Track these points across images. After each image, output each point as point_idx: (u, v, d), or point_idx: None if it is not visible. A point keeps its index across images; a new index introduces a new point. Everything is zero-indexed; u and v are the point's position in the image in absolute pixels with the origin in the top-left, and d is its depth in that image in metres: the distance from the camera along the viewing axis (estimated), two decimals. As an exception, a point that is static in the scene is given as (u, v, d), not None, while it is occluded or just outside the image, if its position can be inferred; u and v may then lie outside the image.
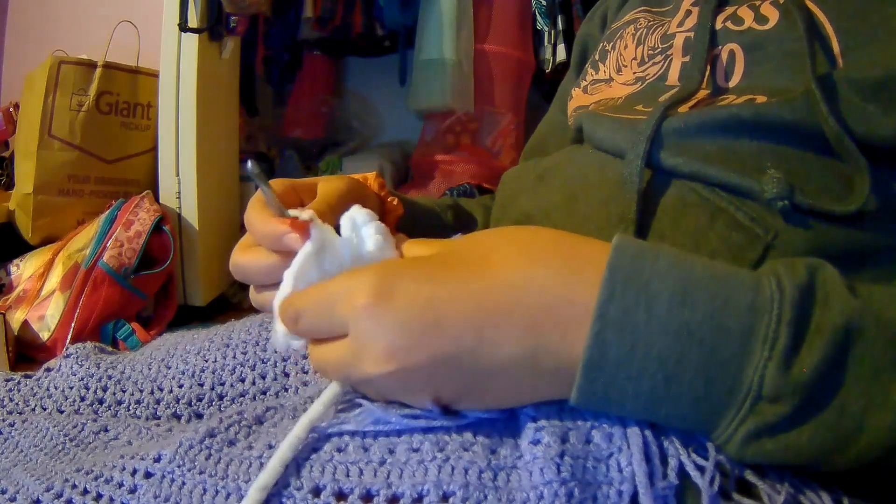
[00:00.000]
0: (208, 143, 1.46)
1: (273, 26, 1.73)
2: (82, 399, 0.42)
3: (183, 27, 1.36)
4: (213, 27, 1.40)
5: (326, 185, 0.40)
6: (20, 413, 0.42)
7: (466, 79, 1.59)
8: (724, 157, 0.37)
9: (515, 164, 0.69)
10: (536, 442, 0.27)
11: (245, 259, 0.37)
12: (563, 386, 0.28)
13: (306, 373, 0.42)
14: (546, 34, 1.64)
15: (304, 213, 0.33)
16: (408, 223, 0.49)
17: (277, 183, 0.40)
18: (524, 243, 0.30)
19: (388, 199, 0.47)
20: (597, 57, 0.56)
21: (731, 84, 0.42)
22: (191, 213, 1.43)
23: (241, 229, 0.38)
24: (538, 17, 1.64)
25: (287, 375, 0.43)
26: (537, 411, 0.28)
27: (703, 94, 0.42)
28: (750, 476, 0.27)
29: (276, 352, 0.43)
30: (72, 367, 0.44)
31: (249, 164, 0.31)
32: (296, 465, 0.27)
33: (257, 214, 0.36)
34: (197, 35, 1.37)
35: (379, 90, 1.94)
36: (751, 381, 0.25)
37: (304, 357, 0.43)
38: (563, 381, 0.27)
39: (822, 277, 0.27)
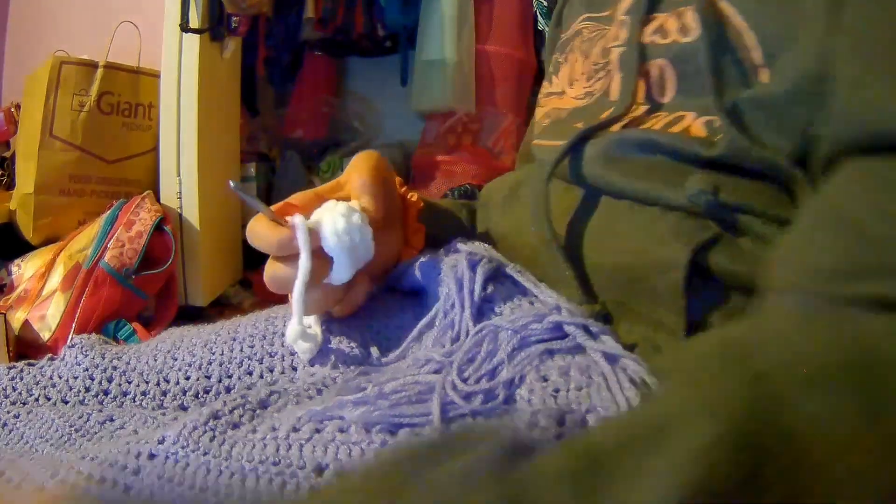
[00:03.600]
0: (209, 144, 1.46)
1: (274, 27, 1.73)
2: (87, 390, 0.42)
3: (184, 28, 1.36)
4: (215, 28, 1.41)
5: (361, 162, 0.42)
6: (24, 403, 0.42)
7: (467, 79, 1.60)
8: (645, 173, 0.38)
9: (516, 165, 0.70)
10: (533, 425, 0.27)
11: (261, 229, 0.38)
12: None
13: (312, 366, 0.42)
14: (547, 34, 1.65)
15: (296, 219, 0.36)
16: (429, 220, 0.50)
17: (300, 196, 0.41)
18: None
19: (408, 195, 0.47)
20: (551, 69, 0.56)
21: (666, 100, 0.42)
22: (192, 214, 1.43)
23: (242, 229, 0.39)
24: (539, 18, 1.64)
25: (295, 369, 0.43)
26: (532, 394, 0.29)
27: (640, 110, 0.42)
28: None
29: (283, 346, 0.43)
30: (76, 357, 0.44)
31: (231, 183, 0.33)
32: (299, 445, 0.28)
33: (262, 227, 0.38)
34: (198, 35, 1.38)
35: (380, 90, 1.94)
36: None
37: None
38: None
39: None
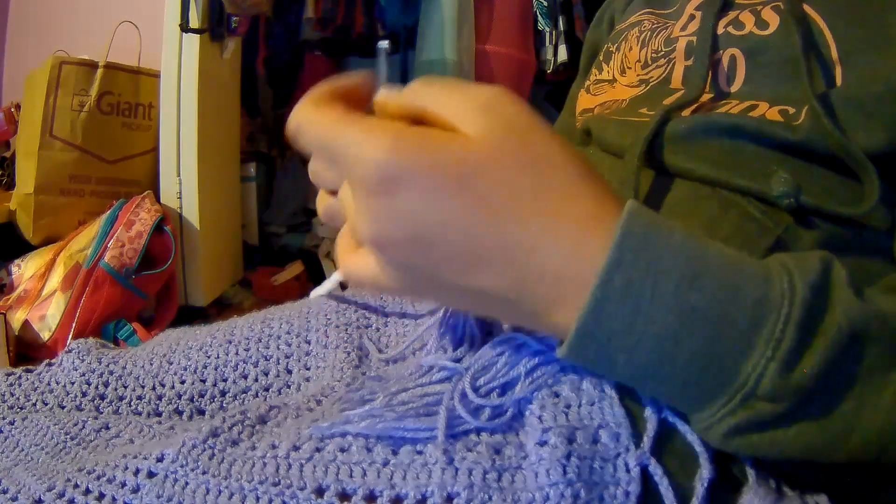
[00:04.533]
0: (209, 144, 1.46)
1: (274, 27, 1.73)
2: (84, 395, 0.42)
3: (184, 28, 1.36)
4: (215, 28, 1.40)
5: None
6: (21, 409, 0.42)
7: (467, 79, 1.59)
8: (730, 160, 0.38)
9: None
10: (543, 443, 0.27)
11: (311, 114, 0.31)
12: (546, 329, 0.27)
13: (308, 369, 0.42)
14: (547, 35, 1.65)
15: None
16: None
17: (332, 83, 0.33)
18: (545, 190, 0.26)
19: None
20: (601, 58, 0.56)
21: (734, 89, 0.42)
22: (192, 214, 1.43)
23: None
24: (539, 18, 1.64)
25: (290, 372, 0.42)
26: (543, 411, 0.28)
27: (705, 98, 0.42)
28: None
29: (279, 349, 0.43)
30: (73, 363, 0.44)
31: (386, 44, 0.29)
32: (299, 465, 0.27)
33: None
34: (198, 35, 1.37)
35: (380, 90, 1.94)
36: (748, 377, 0.24)
37: (307, 354, 0.43)
38: (546, 327, 0.27)
39: (833, 278, 0.26)
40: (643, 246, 0.25)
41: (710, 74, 0.43)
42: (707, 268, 0.25)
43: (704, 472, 0.26)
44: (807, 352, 0.24)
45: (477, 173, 0.26)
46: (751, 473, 0.27)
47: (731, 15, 0.45)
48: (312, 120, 0.29)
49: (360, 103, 0.31)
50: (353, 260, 0.30)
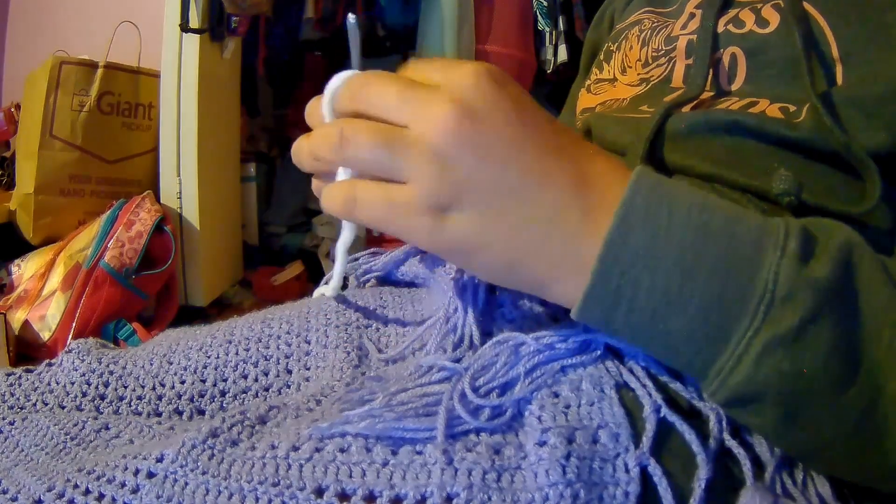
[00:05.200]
0: (210, 144, 1.46)
1: (274, 27, 1.73)
2: (84, 395, 0.42)
3: (184, 28, 1.36)
4: (215, 28, 1.40)
5: None
6: (21, 409, 0.42)
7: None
8: (730, 157, 0.38)
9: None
10: (542, 443, 0.27)
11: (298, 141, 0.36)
12: (567, 272, 0.28)
13: (308, 369, 0.42)
14: (547, 35, 1.65)
15: None
16: None
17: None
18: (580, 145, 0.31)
19: None
20: (602, 57, 0.56)
21: (734, 87, 0.42)
22: (192, 214, 1.43)
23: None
24: (539, 18, 1.64)
25: (290, 372, 0.42)
26: (543, 411, 0.28)
27: (706, 96, 0.42)
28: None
29: (278, 349, 0.43)
30: (73, 363, 0.44)
31: (351, 18, 0.31)
32: (298, 465, 0.27)
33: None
34: (198, 35, 1.37)
35: (380, 91, 1.94)
36: (765, 282, 0.25)
37: (307, 354, 0.43)
38: (569, 265, 0.28)
39: (823, 221, 0.29)
40: (657, 183, 0.28)
41: (710, 73, 0.43)
42: (712, 202, 0.28)
43: (702, 472, 0.26)
44: (813, 257, 0.26)
45: (536, 109, 0.30)
46: (748, 474, 0.27)
47: (732, 13, 0.45)
48: (375, 83, 0.31)
49: None
50: (366, 185, 0.30)
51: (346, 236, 0.39)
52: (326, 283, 0.48)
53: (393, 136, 0.28)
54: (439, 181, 0.28)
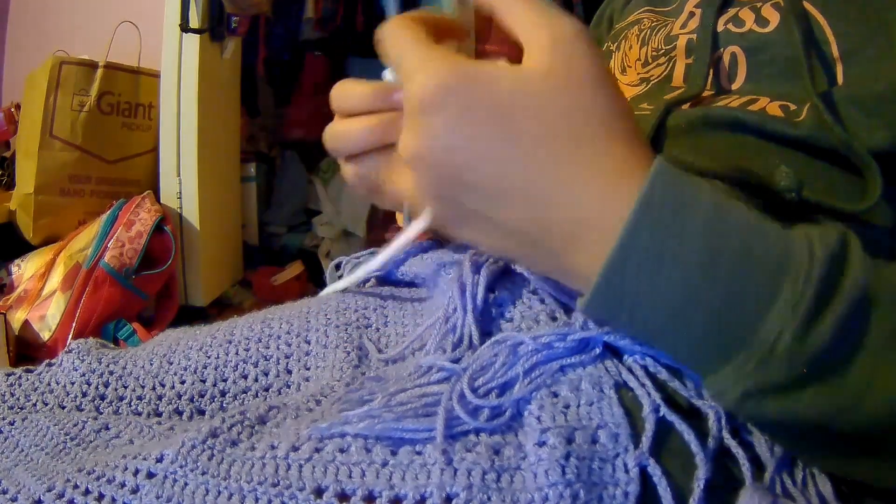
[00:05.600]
0: (210, 144, 1.46)
1: (274, 27, 1.73)
2: (84, 395, 0.42)
3: (184, 28, 1.36)
4: (215, 28, 1.41)
5: None
6: (21, 409, 0.42)
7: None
8: (731, 153, 0.38)
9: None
10: (542, 444, 0.27)
11: (343, 125, 0.37)
12: (573, 275, 0.28)
13: (308, 369, 0.42)
14: (547, 35, 1.64)
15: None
16: None
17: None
18: (588, 142, 0.28)
19: None
20: None
21: (735, 86, 0.42)
22: (192, 214, 1.43)
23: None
24: (539, 18, 1.64)
25: (290, 372, 0.42)
26: (542, 411, 0.28)
27: (706, 95, 0.43)
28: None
29: (278, 349, 0.43)
30: (73, 363, 0.44)
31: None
32: (298, 465, 0.27)
33: (357, 83, 0.37)
34: (198, 35, 1.38)
35: (380, 90, 1.94)
36: (766, 338, 0.25)
37: (307, 354, 0.43)
38: (574, 269, 0.28)
39: (850, 245, 0.27)
40: (672, 190, 0.26)
41: (710, 72, 0.43)
42: (732, 217, 0.26)
43: (701, 472, 0.26)
44: (825, 310, 0.25)
45: (516, 109, 0.28)
46: (748, 474, 0.27)
47: (731, 12, 0.45)
48: (393, 35, 0.32)
49: (446, 33, 0.36)
50: (397, 176, 0.33)
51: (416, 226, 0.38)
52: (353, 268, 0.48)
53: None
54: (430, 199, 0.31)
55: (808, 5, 0.41)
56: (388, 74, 0.36)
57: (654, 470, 0.26)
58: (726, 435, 0.28)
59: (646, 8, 0.54)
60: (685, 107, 0.42)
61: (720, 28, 0.44)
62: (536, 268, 0.32)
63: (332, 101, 0.38)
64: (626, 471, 0.26)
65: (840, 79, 0.38)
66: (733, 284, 0.25)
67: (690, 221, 0.26)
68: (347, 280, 0.46)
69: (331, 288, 0.47)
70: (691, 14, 0.48)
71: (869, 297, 0.25)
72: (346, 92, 0.37)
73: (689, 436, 0.27)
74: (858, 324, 0.25)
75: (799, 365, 0.25)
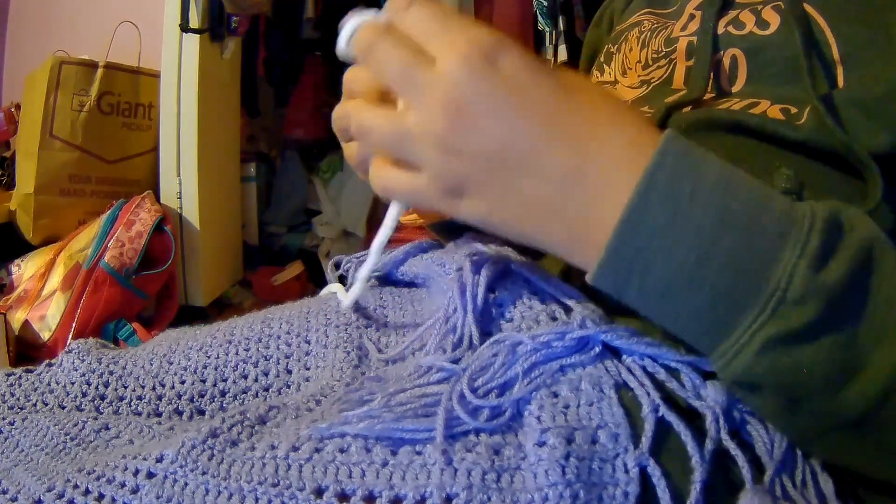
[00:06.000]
0: (210, 144, 1.46)
1: (274, 27, 1.73)
2: (84, 395, 0.42)
3: (184, 28, 1.36)
4: (215, 28, 1.41)
5: None
6: (21, 409, 0.42)
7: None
8: (731, 155, 0.38)
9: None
10: (542, 444, 0.27)
11: (351, 106, 0.36)
12: (573, 240, 0.29)
13: (308, 369, 0.42)
14: (547, 35, 1.65)
15: None
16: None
17: None
18: (610, 103, 0.31)
19: None
20: (602, 59, 0.56)
21: (735, 89, 0.42)
22: (192, 214, 1.43)
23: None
24: (539, 18, 1.64)
25: (290, 372, 0.42)
26: (542, 411, 0.28)
27: (707, 97, 0.43)
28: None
29: (278, 349, 0.43)
30: (73, 363, 0.44)
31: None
32: (298, 465, 0.27)
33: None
34: (198, 35, 1.38)
35: (380, 90, 1.94)
36: (779, 279, 0.25)
37: (307, 354, 0.43)
38: (577, 235, 0.28)
39: (848, 213, 0.28)
40: (684, 153, 0.27)
41: (711, 74, 0.43)
42: (739, 181, 0.27)
43: (697, 473, 0.26)
44: (832, 257, 0.25)
45: (557, 68, 0.30)
46: (748, 476, 0.27)
47: (732, 14, 0.45)
48: (386, 46, 0.31)
49: None
50: (391, 174, 0.32)
51: (382, 234, 0.38)
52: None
53: (400, 127, 0.30)
54: (444, 172, 0.30)
55: (808, 7, 0.41)
56: (342, 44, 0.34)
57: (654, 470, 0.26)
58: (725, 436, 0.28)
59: (646, 10, 0.54)
60: (686, 109, 0.42)
61: (721, 30, 0.44)
62: (544, 238, 0.31)
63: (343, 83, 0.38)
64: (626, 471, 0.26)
65: (840, 81, 0.38)
66: (743, 238, 0.26)
67: (701, 180, 0.27)
68: (355, 292, 0.44)
69: (347, 302, 0.45)
70: (691, 16, 0.48)
71: (875, 251, 0.26)
72: (357, 76, 0.37)
73: (686, 437, 0.27)
74: (866, 274, 0.26)
75: (812, 304, 0.25)
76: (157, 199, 1.43)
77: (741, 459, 0.27)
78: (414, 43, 0.30)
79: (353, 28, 0.33)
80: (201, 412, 0.42)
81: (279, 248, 1.94)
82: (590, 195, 0.28)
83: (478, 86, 0.28)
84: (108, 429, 0.38)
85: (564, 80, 0.30)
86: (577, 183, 0.28)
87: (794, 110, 0.39)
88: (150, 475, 0.29)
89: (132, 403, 0.42)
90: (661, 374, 0.30)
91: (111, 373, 0.43)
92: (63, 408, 0.42)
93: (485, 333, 0.35)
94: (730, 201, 0.26)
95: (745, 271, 0.26)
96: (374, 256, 0.39)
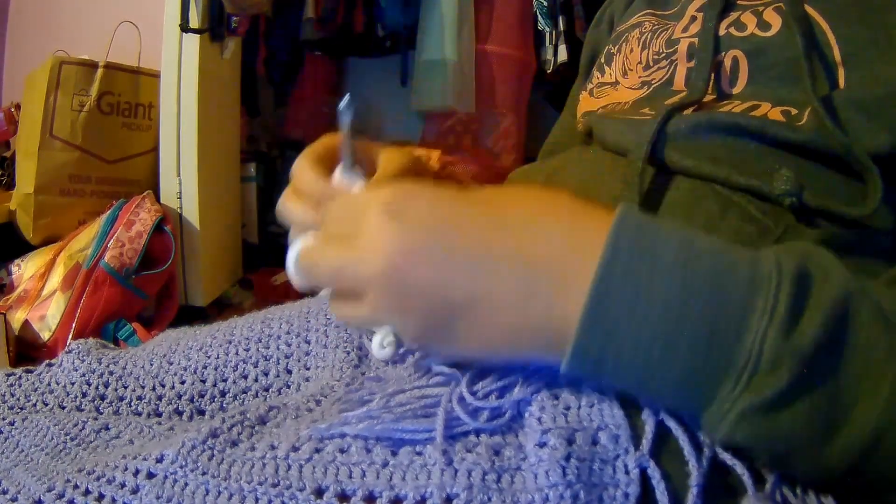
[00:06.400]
0: (209, 144, 1.46)
1: (274, 27, 1.73)
2: (84, 395, 0.42)
3: (184, 28, 1.36)
4: (215, 28, 1.41)
5: (388, 159, 0.42)
6: (21, 409, 0.42)
7: (467, 79, 1.59)
8: (732, 158, 0.37)
9: (516, 165, 0.70)
10: (542, 444, 0.27)
11: (291, 206, 0.39)
12: (549, 344, 0.27)
13: (308, 369, 0.42)
14: (547, 35, 1.65)
15: (358, 186, 0.36)
16: None
17: (333, 138, 0.41)
18: (541, 199, 0.31)
19: (448, 176, 0.47)
20: (602, 60, 0.56)
21: (736, 90, 0.42)
22: (192, 214, 1.43)
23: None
24: (539, 18, 1.64)
25: (290, 372, 0.43)
26: (542, 412, 0.28)
27: (708, 99, 0.42)
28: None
29: (278, 349, 0.43)
30: (73, 363, 0.44)
31: (346, 98, 0.33)
32: (298, 465, 0.27)
33: (310, 168, 0.39)
34: (198, 35, 1.37)
35: (380, 91, 1.94)
36: (749, 350, 0.25)
37: (307, 354, 0.43)
38: (550, 338, 0.27)
39: (818, 260, 0.27)
40: (637, 237, 0.26)
41: (712, 76, 0.43)
42: (699, 251, 0.27)
43: (694, 478, 0.26)
44: (803, 321, 0.25)
45: (475, 191, 0.30)
46: (748, 484, 0.27)
47: (733, 16, 0.45)
48: (318, 268, 0.32)
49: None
50: (349, 310, 0.32)
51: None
52: None
53: (361, 316, 0.31)
54: (407, 332, 0.30)
55: (809, 9, 0.41)
56: (338, 173, 0.38)
57: (654, 472, 0.26)
58: (719, 449, 0.27)
59: (647, 11, 0.54)
60: (687, 112, 0.41)
61: (722, 32, 0.44)
62: (518, 353, 0.30)
63: (291, 172, 0.40)
64: (627, 472, 0.26)
65: (841, 82, 0.38)
66: (709, 314, 0.25)
67: (658, 263, 0.26)
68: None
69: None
70: (693, 18, 0.48)
71: (849, 307, 0.25)
72: (303, 172, 0.39)
73: (683, 441, 0.27)
74: (840, 332, 0.25)
75: (785, 368, 0.24)
76: (157, 199, 1.42)
77: (741, 468, 0.27)
78: (342, 237, 0.31)
79: (295, 255, 0.34)
80: (201, 412, 0.42)
81: (279, 248, 1.94)
82: (548, 302, 0.27)
83: (396, 244, 0.28)
84: (108, 429, 0.38)
85: (486, 198, 0.30)
86: (532, 296, 0.27)
87: (794, 112, 0.39)
88: (151, 475, 0.29)
89: (132, 403, 0.42)
90: None
91: (111, 373, 0.43)
92: (63, 408, 0.42)
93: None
94: (690, 279, 0.26)
95: (715, 346, 0.25)
96: None
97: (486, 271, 0.27)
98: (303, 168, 0.39)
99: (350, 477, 0.27)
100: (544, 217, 0.29)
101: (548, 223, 0.28)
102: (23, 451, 0.37)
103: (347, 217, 0.31)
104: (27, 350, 1.21)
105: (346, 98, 0.33)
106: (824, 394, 0.25)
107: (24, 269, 1.33)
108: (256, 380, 0.42)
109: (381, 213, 0.28)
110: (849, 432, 0.25)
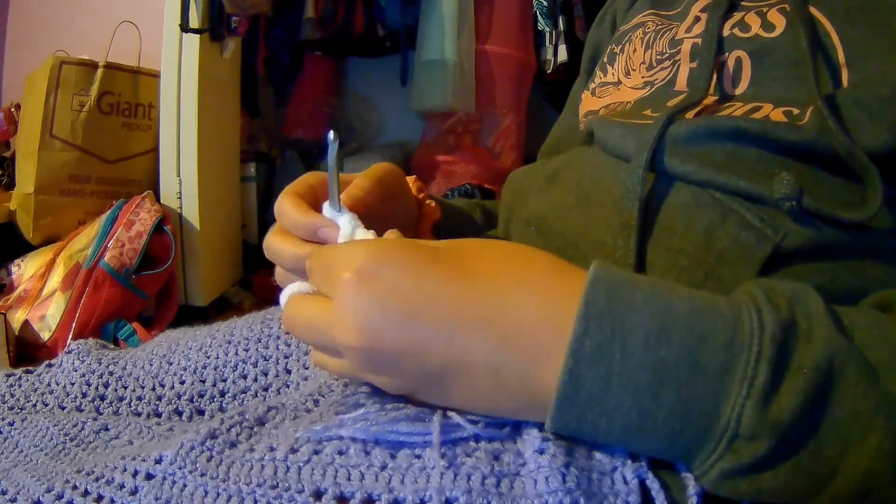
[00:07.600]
0: (209, 144, 1.46)
1: (274, 27, 1.73)
2: (84, 395, 0.42)
3: (184, 28, 1.36)
4: (215, 28, 1.41)
5: (373, 170, 0.43)
6: (21, 409, 0.42)
7: (467, 79, 1.59)
8: (731, 164, 0.37)
9: (516, 165, 0.69)
10: (542, 451, 0.27)
11: (278, 243, 0.39)
12: (528, 408, 0.28)
13: (307, 368, 0.42)
14: (547, 35, 1.64)
15: (344, 218, 0.36)
16: (444, 223, 0.49)
17: (313, 176, 0.41)
18: (515, 262, 0.30)
19: (426, 203, 0.47)
20: (605, 59, 0.56)
21: (738, 91, 0.42)
22: (192, 214, 1.43)
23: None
24: (539, 18, 1.64)
25: (289, 372, 0.43)
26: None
27: (710, 100, 0.42)
28: None
29: (278, 349, 0.43)
30: (73, 363, 0.44)
31: (331, 134, 0.32)
32: (297, 467, 0.27)
33: (294, 205, 0.38)
34: (198, 35, 1.37)
35: (380, 91, 1.94)
36: (728, 420, 0.25)
37: (306, 354, 0.43)
38: (527, 404, 0.28)
39: (805, 311, 0.27)
40: (607, 311, 0.26)
41: (714, 76, 0.43)
42: (672, 320, 0.26)
43: (691, 488, 0.26)
44: (783, 388, 0.24)
45: (449, 251, 0.30)
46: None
47: (737, 16, 0.44)
48: (297, 325, 0.33)
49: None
50: (330, 362, 0.33)
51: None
52: None
53: (341, 370, 0.32)
54: (388, 388, 0.30)
55: (814, 10, 0.40)
56: (326, 209, 0.37)
57: (653, 483, 0.26)
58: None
59: (650, 11, 0.54)
60: (689, 115, 0.41)
61: (726, 32, 0.44)
62: (497, 412, 0.30)
63: (275, 212, 0.40)
64: (626, 482, 0.26)
65: (845, 83, 0.38)
66: (684, 388, 0.25)
67: (630, 338, 0.25)
68: None
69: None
70: (697, 18, 0.48)
71: (833, 369, 0.25)
72: (288, 210, 0.39)
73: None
74: (822, 398, 0.25)
75: (764, 440, 0.24)
76: (157, 199, 1.43)
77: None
78: (318, 297, 0.31)
79: (284, 301, 0.35)
80: (201, 412, 0.42)
81: (279, 248, 1.94)
82: (521, 375, 0.27)
83: (367, 317, 0.28)
84: (107, 429, 0.38)
85: (460, 258, 0.29)
86: (504, 367, 0.27)
87: (796, 112, 0.38)
88: (149, 476, 0.29)
89: (132, 404, 0.42)
90: None
91: (111, 373, 0.43)
92: (63, 408, 0.42)
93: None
94: (664, 354, 0.25)
95: (692, 417, 0.25)
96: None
97: (458, 340, 0.27)
98: (287, 206, 0.39)
99: (349, 479, 0.27)
100: (517, 284, 0.28)
101: (520, 291, 0.28)
102: (22, 451, 0.37)
103: (324, 273, 0.31)
104: (27, 350, 1.21)
105: (332, 133, 0.33)
106: (807, 455, 0.25)
107: (24, 269, 1.33)
108: (256, 380, 0.42)
109: (354, 278, 0.28)
110: (837, 485, 0.25)
